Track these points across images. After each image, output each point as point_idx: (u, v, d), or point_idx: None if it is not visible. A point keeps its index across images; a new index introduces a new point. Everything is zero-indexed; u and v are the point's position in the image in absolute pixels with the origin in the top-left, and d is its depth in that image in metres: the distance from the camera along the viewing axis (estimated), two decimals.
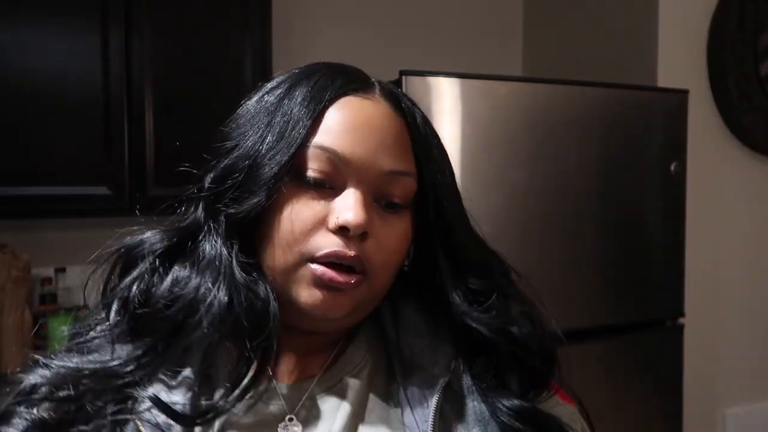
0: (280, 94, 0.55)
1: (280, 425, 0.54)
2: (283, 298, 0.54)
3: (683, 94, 1.79)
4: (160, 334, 0.52)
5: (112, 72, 1.70)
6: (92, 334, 0.55)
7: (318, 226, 0.53)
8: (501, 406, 0.53)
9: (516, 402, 0.54)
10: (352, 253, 0.52)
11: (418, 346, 0.57)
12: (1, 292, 1.78)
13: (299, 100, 0.54)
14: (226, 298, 0.51)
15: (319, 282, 0.52)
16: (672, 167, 1.75)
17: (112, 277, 0.56)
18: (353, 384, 0.56)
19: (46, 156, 1.67)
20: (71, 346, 0.55)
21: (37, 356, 0.53)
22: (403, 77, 1.46)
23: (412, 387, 0.55)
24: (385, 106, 0.56)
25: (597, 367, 1.70)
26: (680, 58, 1.99)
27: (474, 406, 0.54)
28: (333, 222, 0.52)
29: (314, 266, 0.52)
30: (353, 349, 0.59)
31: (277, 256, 0.53)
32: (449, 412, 0.54)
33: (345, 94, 0.55)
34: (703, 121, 1.99)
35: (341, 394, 0.56)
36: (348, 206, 0.52)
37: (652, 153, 1.75)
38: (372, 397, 0.57)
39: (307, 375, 0.57)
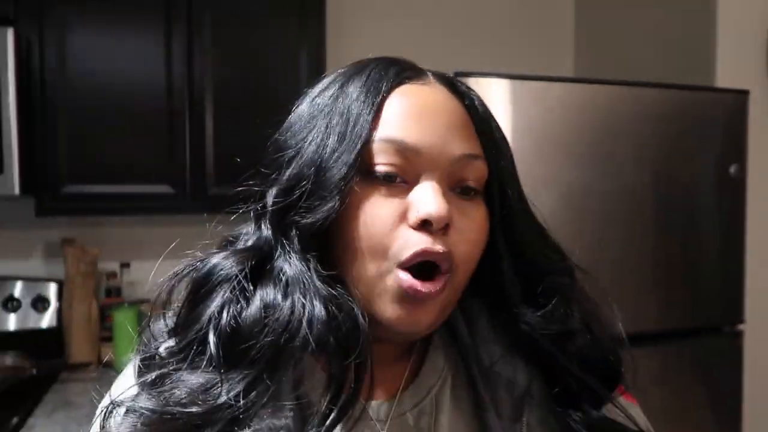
0: (333, 94, 0.52)
1: None
2: (366, 308, 0.50)
3: (743, 94, 1.74)
4: (264, 362, 0.47)
5: (175, 75, 1.77)
6: (166, 361, 0.50)
7: (398, 224, 0.49)
8: (572, 422, 0.52)
9: (588, 415, 0.52)
10: (440, 248, 0.48)
11: (496, 354, 0.55)
12: (71, 284, 1.89)
13: (355, 96, 0.51)
14: (323, 310, 0.47)
15: (404, 296, 0.48)
16: (732, 169, 1.71)
17: (184, 303, 0.52)
18: (441, 398, 0.55)
19: (113, 156, 1.75)
20: (153, 381, 0.49)
21: (119, 399, 0.49)
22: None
23: (499, 400, 0.53)
24: (443, 90, 0.53)
25: (650, 374, 1.67)
26: (739, 58, 1.93)
27: (552, 419, 0.53)
28: (414, 217, 0.48)
29: (402, 276, 0.48)
30: (433, 357, 0.57)
31: (362, 264, 0.49)
32: (534, 426, 0.52)
33: (401, 83, 0.52)
34: (763, 122, 1.92)
35: (432, 410, 0.54)
36: (427, 198, 0.48)
37: (710, 155, 1.71)
38: (459, 411, 0.55)
39: (391, 389, 0.55)
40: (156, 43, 1.76)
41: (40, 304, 1.92)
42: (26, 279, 1.94)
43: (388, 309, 0.49)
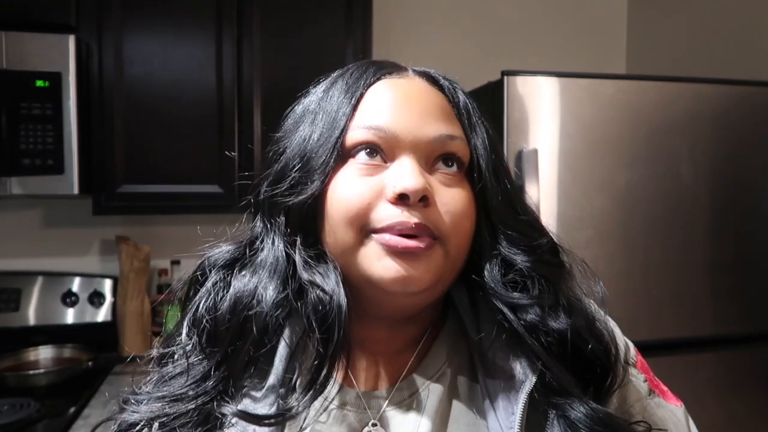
0: (319, 95, 0.57)
1: (363, 431, 0.54)
2: (356, 280, 0.52)
3: None
4: (227, 343, 0.52)
5: (225, 77, 1.81)
6: (176, 356, 0.57)
7: (376, 199, 0.51)
8: (573, 414, 0.51)
9: (587, 409, 0.51)
10: (414, 220, 0.50)
11: (497, 344, 0.55)
12: (125, 280, 1.95)
13: (336, 95, 0.55)
14: (274, 293, 0.51)
15: (391, 251, 0.50)
16: None
17: (189, 295, 0.57)
18: (435, 390, 0.55)
19: (165, 157, 1.80)
20: (158, 376, 0.56)
21: (129, 396, 0.55)
22: (505, 77, 1.45)
23: (497, 391, 0.53)
24: (421, 82, 0.56)
25: (703, 380, 1.61)
26: None
27: (554, 418, 0.52)
28: (390, 191, 0.50)
29: (379, 236, 0.50)
30: (435, 351, 0.58)
31: (338, 233, 0.51)
32: (534, 419, 0.52)
33: (379, 78, 0.56)
34: None
35: (425, 402, 0.55)
36: (403, 173, 0.51)
37: None
38: (455, 404, 0.56)
39: (390, 380, 0.57)
40: (207, 46, 1.80)
41: (96, 299, 1.99)
42: (83, 275, 2.02)
43: (377, 267, 0.50)
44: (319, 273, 0.51)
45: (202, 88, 1.80)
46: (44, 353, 1.84)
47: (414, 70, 0.58)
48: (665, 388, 0.62)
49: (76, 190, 1.65)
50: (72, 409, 1.53)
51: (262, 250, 0.55)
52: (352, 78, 0.56)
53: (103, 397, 1.62)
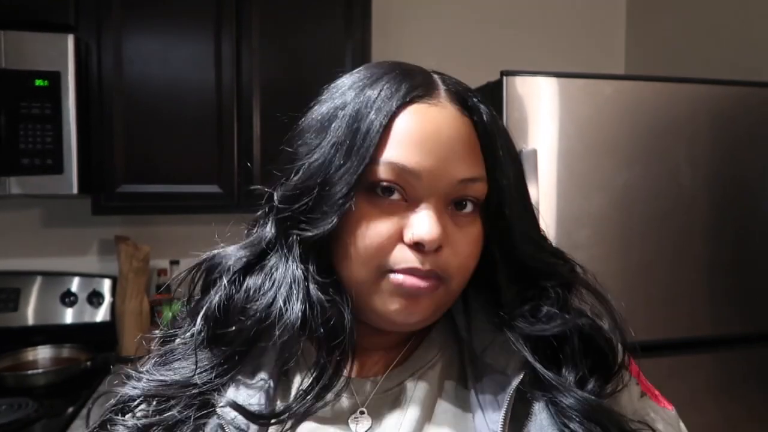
0: (344, 105, 0.54)
1: (350, 418, 0.56)
2: (364, 306, 0.55)
3: None
4: (237, 343, 0.55)
5: (224, 77, 1.81)
6: (178, 341, 0.59)
7: (394, 240, 0.53)
8: (566, 406, 0.52)
9: (581, 397, 0.52)
10: (427, 267, 0.52)
11: (488, 344, 0.57)
12: (124, 280, 1.95)
13: (365, 112, 0.53)
14: (300, 313, 0.52)
15: (400, 291, 0.52)
16: None
17: (196, 288, 0.59)
18: (424, 381, 0.57)
19: (165, 157, 1.80)
20: (160, 357, 0.59)
21: (130, 370, 0.58)
22: (505, 77, 1.45)
23: (484, 389, 0.55)
24: (452, 110, 0.54)
25: (700, 381, 1.61)
26: None
27: (541, 407, 0.53)
28: (408, 237, 0.52)
29: (394, 276, 0.52)
30: (425, 346, 0.60)
31: (356, 270, 0.53)
32: (522, 415, 0.53)
33: (411, 101, 0.53)
34: None
35: (412, 392, 0.57)
36: (422, 222, 0.52)
37: None
38: (443, 395, 0.57)
39: (380, 370, 0.59)
40: (206, 46, 1.81)
41: (95, 299, 1.99)
42: (82, 275, 2.02)
43: (386, 303, 0.53)
44: (331, 299, 0.53)
45: (202, 87, 1.80)
46: (43, 353, 1.83)
47: (446, 89, 0.56)
48: (657, 392, 0.63)
49: (75, 190, 1.65)
50: (70, 409, 1.53)
51: (277, 268, 0.55)
52: (381, 96, 0.53)
53: (101, 396, 1.62)
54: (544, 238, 0.59)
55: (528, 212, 0.58)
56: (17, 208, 2.03)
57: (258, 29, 1.83)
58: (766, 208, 1.64)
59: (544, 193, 1.47)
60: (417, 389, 0.57)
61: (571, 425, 0.51)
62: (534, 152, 1.44)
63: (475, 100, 0.56)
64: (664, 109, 1.55)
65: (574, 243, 1.49)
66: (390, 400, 0.57)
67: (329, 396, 0.54)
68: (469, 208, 0.55)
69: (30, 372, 1.67)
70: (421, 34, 2.28)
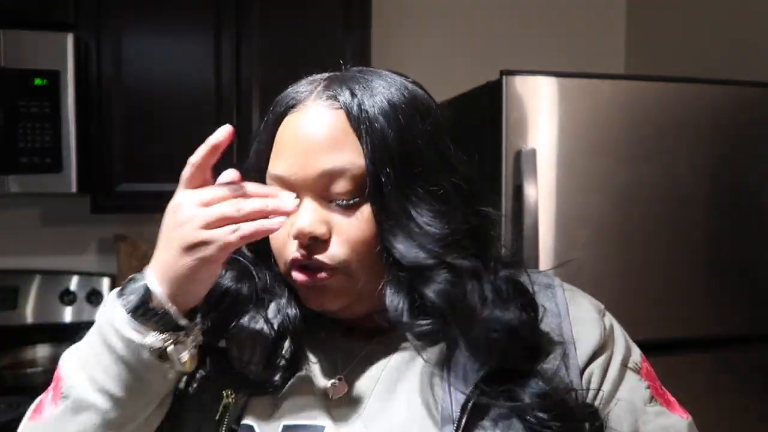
0: (266, 119, 0.63)
1: (329, 383, 0.60)
2: None
3: None
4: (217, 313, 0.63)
5: (223, 76, 1.81)
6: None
7: (289, 236, 0.58)
8: (519, 393, 0.55)
9: (534, 386, 0.55)
10: (314, 257, 0.57)
11: (454, 346, 0.58)
12: (123, 279, 1.94)
13: (263, 132, 0.62)
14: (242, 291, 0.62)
15: (300, 285, 0.59)
16: None
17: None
18: (404, 350, 0.61)
19: (164, 155, 1.79)
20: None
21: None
22: (504, 77, 1.45)
23: (457, 372, 0.57)
24: (320, 109, 0.58)
25: (700, 381, 1.61)
26: None
27: (502, 409, 0.55)
28: (293, 231, 0.57)
29: (293, 273, 0.59)
30: (396, 341, 0.62)
31: (280, 268, 0.61)
32: (481, 411, 0.55)
33: (284, 115, 0.60)
34: None
35: (390, 359, 0.61)
36: (299, 215, 0.57)
37: None
38: (417, 366, 0.60)
39: (368, 336, 0.63)
40: (206, 45, 1.81)
41: (94, 297, 1.99)
42: (81, 273, 2.01)
43: (301, 295, 0.61)
44: (275, 294, 0.63)
45: (201, 86, 1.80)
46: (42, 352, 1.84)
47: (326, 86, 0.59)
48: (672, 399, 0.63)
49: (74, 189, 1.65)
50: None
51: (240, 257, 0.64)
52: (272, 116, 0.61)
53: None
54: (434, 214, 0.57)
55: (419, 200, 0.57)
56: (16, 207, 2.03)
57: (257, 28, 1.83)
58: (765, 208, 1.64)
59: (544, 193, 1.47)
60: (396, 356, 0.61)
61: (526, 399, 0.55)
62: (533, 152, 1.45)
63: (347, 94, 0.57)
64: (664, 108, 1.55)
65: (573, 243, 1.49)
66: (369, 363, 0.61)
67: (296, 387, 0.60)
68: (348, 196, 0.57)
69: (29, 370, 1.68)
70: (420, 35, 2.28)
